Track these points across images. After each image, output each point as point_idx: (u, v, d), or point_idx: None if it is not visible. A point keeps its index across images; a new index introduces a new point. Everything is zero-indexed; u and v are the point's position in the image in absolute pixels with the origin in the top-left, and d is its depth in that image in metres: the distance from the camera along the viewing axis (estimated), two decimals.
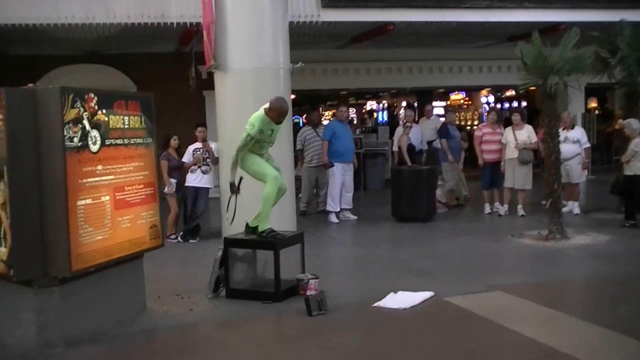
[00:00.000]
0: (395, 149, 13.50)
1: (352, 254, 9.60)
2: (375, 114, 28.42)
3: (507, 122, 13.36)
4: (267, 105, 6.83)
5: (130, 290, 6.34)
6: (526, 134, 11.63)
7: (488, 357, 5.18)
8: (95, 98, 5.66)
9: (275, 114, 6.78)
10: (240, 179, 6.92)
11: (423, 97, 21.64)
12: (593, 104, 22.78)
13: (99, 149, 5.70)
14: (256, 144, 6.81)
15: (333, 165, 11.75)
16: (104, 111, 5.76)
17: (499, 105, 24.01)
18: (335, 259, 9.31)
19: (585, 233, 9.91)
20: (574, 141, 11.66)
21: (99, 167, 5.70)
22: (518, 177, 11.58)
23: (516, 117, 11.93)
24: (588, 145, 12.29)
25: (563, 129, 11.22)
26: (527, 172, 11.62)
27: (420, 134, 13.19)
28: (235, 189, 6.91)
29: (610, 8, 13.37)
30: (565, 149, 10.72)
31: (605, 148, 19.91)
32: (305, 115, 21.48)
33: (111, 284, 6.00)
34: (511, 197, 11.89)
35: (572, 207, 11.80)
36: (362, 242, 10.28)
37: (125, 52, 15.19)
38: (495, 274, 7.80)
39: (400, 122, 13.86)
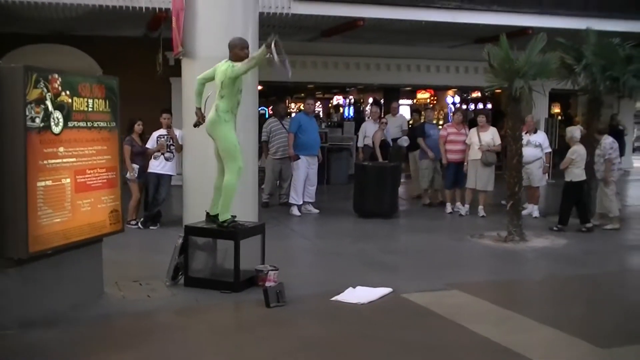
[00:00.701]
0: (360, 144, 13.55)
1: (312, 246, 9.62)
2: (341, 109, 28.45)
3: (472, 123, 13.52)
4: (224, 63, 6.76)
5: (88, 275, 6.28)
6: (490, 135, 11.75)
7: (445, 352, 5.24)
8: (60, 79, 5.59)
9: (239, 47, 6.80)
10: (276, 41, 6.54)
11: (390, 94, 21.74)
12: (556, 109, 23.11)
13: (61, 131, 5.63)
14: (233, 98, 6.72)
15: (299, 158, 11.75)
16: (67, 92, 5.70)
17: (464, 106, 24.22)
18: (296, 251, 9.32)
19: (543, 236, 10.06)
20: (536, 145, 11.82)
21: (61, 149, 5.63)
22: (480, 178, 11.70)
23: (481, 119, 12.06)
24: (549, 149, 12.50)
25: (526, 133, 11.37)
26: (490, 174, 11.75)
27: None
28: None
29: (578, 16, 13.64)
30: (527, 152, 10.87)
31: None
32: (271, 107, 21.41)
33: (69, 268, 5.93)
34: (473, 198, 12.01)
35: (532, 210, 11.97)
36: (324, 235, 10.31)
37: (93, 35, 15.01)
38: (453, 272, 7.88)
39: (367, 118, 13.93)
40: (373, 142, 12.83)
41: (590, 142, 10.99)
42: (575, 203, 10.58)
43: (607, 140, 10.93)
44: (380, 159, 12.45)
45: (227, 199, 6.80)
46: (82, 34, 14.93)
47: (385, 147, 12.81)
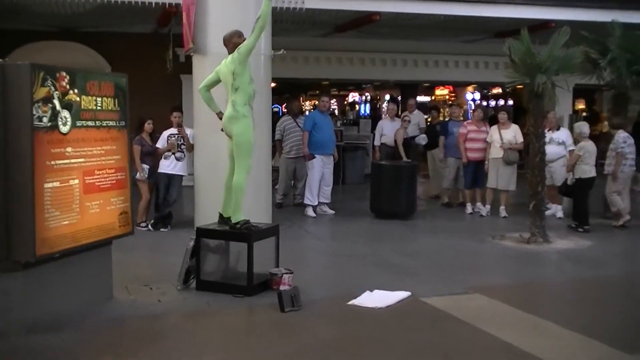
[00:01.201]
0: (376, 142, 13.54)
1: (328, 248, 9.61)
2: (357, 106, 28.43)
3: (492, 121, 13.46)
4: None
5: (96, 278, 6.30)
6: (512, 133, 11.69)
7: (465, 357, 5.21)
8: (67, 77, 5.61)
9: (236, 36, 6.79)
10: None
11: (407, 91, 21.69)
12: (581, 105, 22.99)
13: (69, 130, 5.65)
14: (247, 88, 6.69)
15: (314, 157, 11.74)
16: (75, 91, 5.72)
17: (484, 103, 24.14)
18: (311, 253, 9.32)
19: (567, 237, 10.00)
20: (559, 142, 11.73)
21: (69, 149, 5.65)
22: (502, 178, 11.65)
23: (503, 116, 12.01)
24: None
25: (548, 130, 11.30)
26: (512, 173, 11.69)
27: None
28: None
29: (602, 8, 13.50)
30: (550, 150, 10.80)
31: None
32: (285, 105, 21.42)
33: (77, 271, 5.95)
34: (494, 198, 11.96)
35: (556, 210, 11.89)
36: (339, 237, 10.30)
37: (101, 31, 15.07)
38: (474, 275, 7.85)
39: (383, 115, 13.90)
40: (395, 141, 12.81)
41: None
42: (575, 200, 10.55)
43: (621, 135, 10.92)
44: (405, 158, 12.42)
45: (237, 199, 6.79)
46: (90, 30, 14.99)
47: (407, 146, 12.79)
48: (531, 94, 9.57)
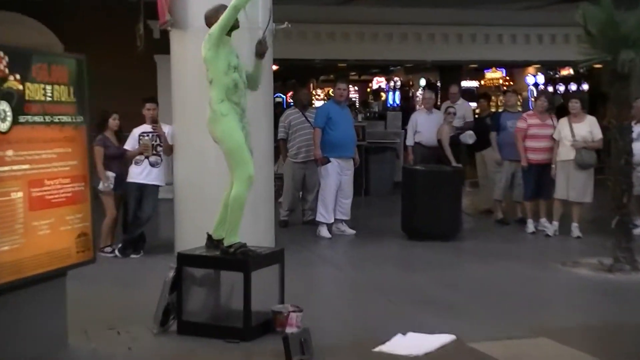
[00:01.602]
0: (409, 142, 13.52)
1: (347, 279, 9.61)
2: (383, 95, 28.52)
3: (561, 112, 13.38)
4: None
5: (47, 320, 6.27)
6: (587, 128, 11.62)
7: None
8: (6, 58, 5.60)
9: (222, 10, 6.75)
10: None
11: (448, 75, 21.76)
12: None
13: (10, 128, 5.64)
14: (224, 80, 6.68)
15: (329, 162, 11.71)
16: (18, 76, 5.70)
17: (550, 89, 24.13)
18: (326, 285, 9.35)
19: None
20: None
21: (9, 152, 5.64)
22: (574, 186, 11.57)
23: (574, 105, 11.91)
24: None
25: (637, 123, 11.23)
26: (587, 180, 11.62)
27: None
28: None
29: None
30: (639, 149, 10.74)
31: None
32: (290, 94, 21.49)
33: (21, 311, 5.93)
34: (564, 212, 11.90)
35: None
36: (362, 264, 10.28)
37: None
38: (539, 313, 7.81)
39: (418, 107, 13.91)
40: (440, 141, 12.77)
41: None
42: None
43: None
44: (454, 162, 12.37)
45: (234, 217, 6.79)
46: None
47: (454, 146, 12.75)
48: (614, 75, 9.52)
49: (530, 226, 12.21)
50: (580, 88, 23.20)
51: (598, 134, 11.64)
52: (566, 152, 11.60)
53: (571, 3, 12.07)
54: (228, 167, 6.83)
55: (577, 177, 11.58)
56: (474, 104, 16.42)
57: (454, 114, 13.12)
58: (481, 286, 9.01)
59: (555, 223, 11.95)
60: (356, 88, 28.73)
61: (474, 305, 8.14)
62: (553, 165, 11.80)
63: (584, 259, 10.07)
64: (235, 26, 6.79)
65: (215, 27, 6.65)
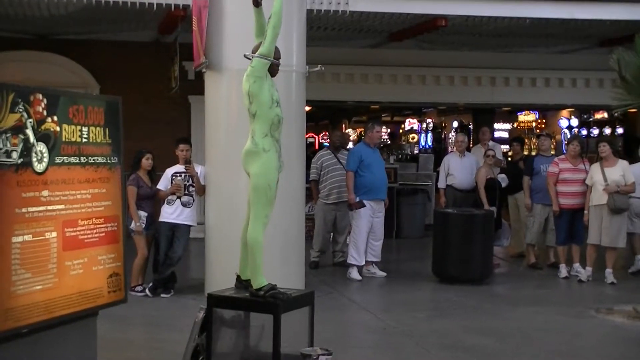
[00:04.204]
0: (441, 184, 13.50)
1: (377, 323, 9.51)
2: (415, 137, 28.50)
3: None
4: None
5: None
6: (620, 171, 11.55)
7: None
8: (45, 100, 5.64)
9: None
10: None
11: (481, 117, 21.69)
12: None
13: (46, 169, 5.66)
14: (269, 113, 6.66)
15: (364, 206, 11.68)
16: (55, 118, 5.74)
17: (584, 132, 23.99)
18: (355, 329, 9.28)
19: None
20: None
21: (45, 192, 5.66)
22: (607, 231, 11.48)
23: (604, 149, 11.83)
24: None
25: None
26: (621, 224, 11.54)
27: (475, 164, 13.20)
28: None
29: None
30: None
31: None
32: (324, 135, 21.55)
33: (51, 351, 5.93)
34: (597, 257, 11.79)
35: None
36: (392, 307, 10.23)
37: (87, 39, 15.27)
38: None
39: (450, 149, 13.89)
40: (477, 183, 12.73)
41: None
42: None
43: None
44: (487, 206, 12.32)
45: (255, 258, 6.73)
46: (72, 37, 15.18)
47: (490, 189, 12.68)
48: None
49: (563, 271, 12.11)
50: (615, 131, 23.07)
51: (630, 178, 11.58)
52: (599, 197, 11.53)
53: (607, 47, 12.06)
54: (249, 202, 6.80)
55: (610, 222, 11.49)
56: (506, 147, 16.37)
57: (493, 156, 13.07)
58: (512, 332, 8.92)
59: (589, 268, 11.84)
60: (387, 129, 28.71)
61: (505, 352, 8.07)
62: (586, 212, 11.73)
63: (618, 306, 9.97)
64: (274, 71, 6.80)
65: (265, 43, 6.56)
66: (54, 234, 5.76)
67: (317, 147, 25.12)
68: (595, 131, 24.38)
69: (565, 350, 8.23)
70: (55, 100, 5.77)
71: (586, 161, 12.32)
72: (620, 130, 23.00)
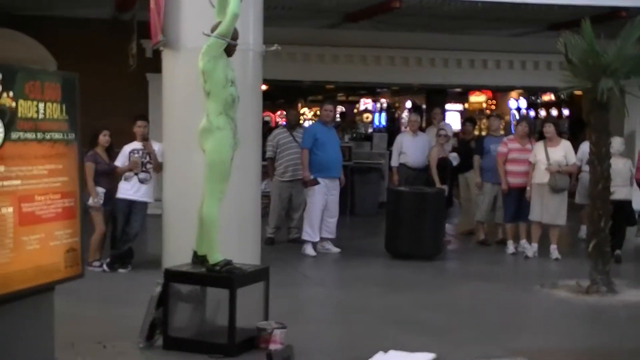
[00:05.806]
0: (394, 163, 13.53)
1: (331, 298, 9.59)
2: (369, 116, 28.55)
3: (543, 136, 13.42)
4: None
5: (34, 335, 6.22)
6: (562, 152, 11.65)
7: None
8: (0, 75, 5.58)
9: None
10: None
11: (434, 98, 21.78)
12: None
13: (2, 144, 5.60)
14: (222, 93, 6.67)
15: (318, 183, 11.70)
16: (10, 94, 5.67)
17: (532, 113, 24.17)
18: (309, 303, 9.30)
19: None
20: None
21: (1, 168, 5.60)
22: (548, 209, 11.58)
23: (549, 129, 11.93)
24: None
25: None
26: (561, 203, 11.63)
27: (427, 143, 13.23)
28: None
29: None
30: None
31: None
32: (279, 113, 21.51)
33: (8, 326, 5.88)
34: (543, 234, 11.92)
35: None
36: (346, 283, 10.29)
37: (44, 15, 15.07)
38: (517, 335, 7.82)
39: (403, 128, 13.93)
40: (429, 161, 12.76)
41: None
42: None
43: None
44: (439, 184, 12.37)
45: (210, 234, 6.78)
46: (29, 13, 14.97)
47: (442, 168, 12.71)
48: (593, 103, 9.56)
49: (511, 247, 12.24)
50: (561, 113, 23.27)
51: (572, 159, 11.71)
52: (541, 176, 11.63)
53: (555, 31, 12.14)
54: (205, 178, 6.80)
55: (551, 201, 11.59)
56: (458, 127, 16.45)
57: (445, 135, 13.12)
58: (462, 307, 9.01)
59: (535, 245, 11.96)
60: (342, 108, 28.74)
61: (454, 325, 8.12)
62: (528, 188, 11.83)
63: (562, 281, 10.07)
64: (231, 51, 6.78)
65: (214, 37, 6.62)
66: (10, 209, 5.71)
67: (273, 125, 25.12)
68: (543, 112, 24.58)
69: (512, 323, 8.33)
70: (11, 75, 5.70)
71: (534, 142, 12.40)
72: (566, 112, 23.18)
